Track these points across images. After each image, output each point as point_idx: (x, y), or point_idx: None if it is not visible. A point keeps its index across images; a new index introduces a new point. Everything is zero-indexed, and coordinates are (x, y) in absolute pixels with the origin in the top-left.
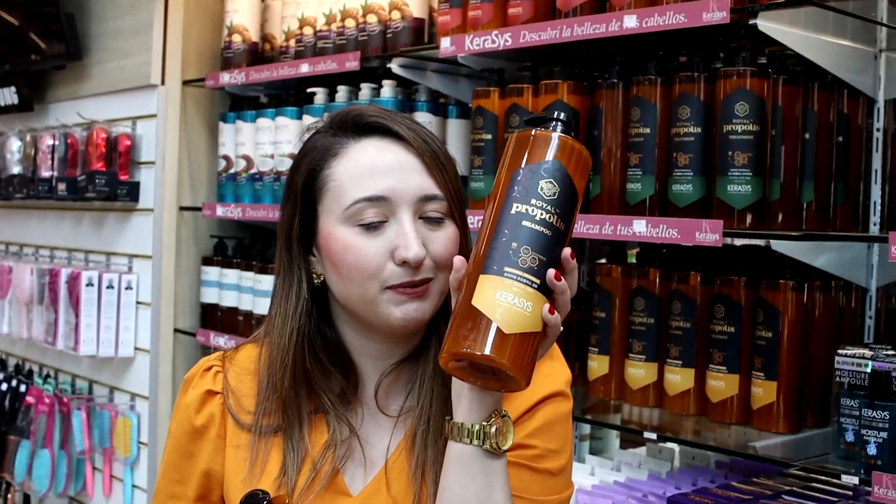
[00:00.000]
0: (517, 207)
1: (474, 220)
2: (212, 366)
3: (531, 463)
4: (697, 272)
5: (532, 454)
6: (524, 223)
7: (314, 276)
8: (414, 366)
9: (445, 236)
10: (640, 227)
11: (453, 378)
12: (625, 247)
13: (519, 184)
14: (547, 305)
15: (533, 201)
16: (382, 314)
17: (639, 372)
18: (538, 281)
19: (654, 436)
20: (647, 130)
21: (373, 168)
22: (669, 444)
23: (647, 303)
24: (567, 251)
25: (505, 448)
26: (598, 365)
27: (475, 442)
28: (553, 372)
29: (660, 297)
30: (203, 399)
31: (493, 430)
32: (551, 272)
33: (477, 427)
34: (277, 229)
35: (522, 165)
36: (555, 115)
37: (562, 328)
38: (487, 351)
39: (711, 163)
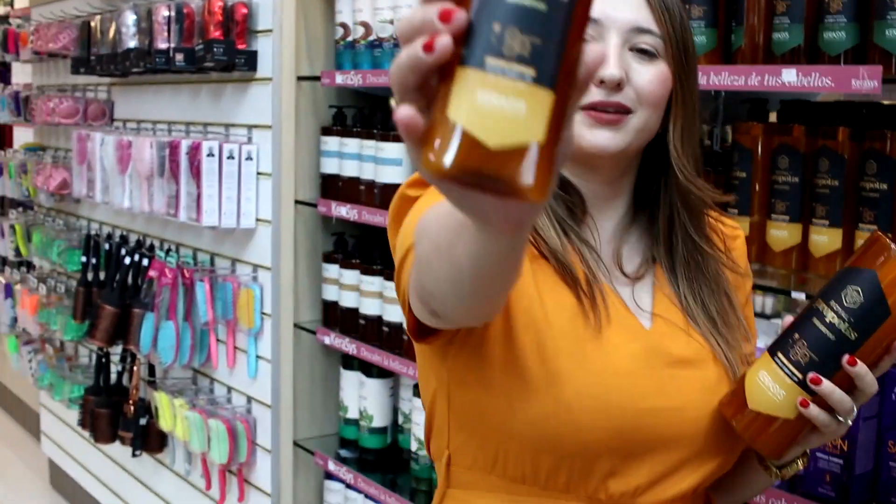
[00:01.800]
0: (818, 304)
1: None
2: None
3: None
4: (846, 127)
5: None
6: (813, 319)
7: None
8: (641, 217)
9: (654, 72)
10: (790, 76)
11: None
12: (766, 105)
13: (836, 282)
14: (799, 398)
15: (832, 303)
16: (578, 136)
17: (782, 233)
18: (800, 375)
19: (801, 294)
20: None
21: None
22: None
23: (792, 161)
24: (846, 357)
25: (790, 475)
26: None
27: (770, 473)
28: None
29: (805, 155)
30: None
31: (793, 468)
32: (810, 375)
33: (778, 464)
34: None
35: (847, 264)
36: None
37: (844, 422)
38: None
39: (868, 7)
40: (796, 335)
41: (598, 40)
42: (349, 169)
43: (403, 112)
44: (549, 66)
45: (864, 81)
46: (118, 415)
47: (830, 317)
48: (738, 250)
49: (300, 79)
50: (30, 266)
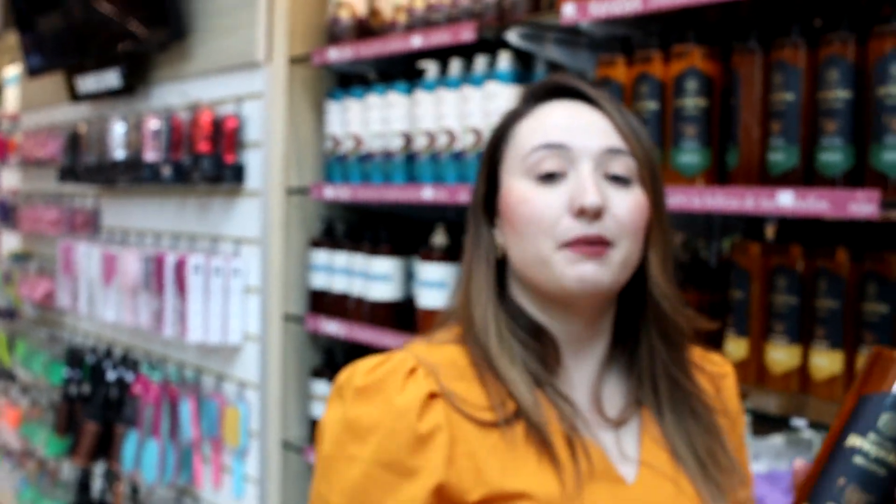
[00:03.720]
0: (852, 440)
1: None
2: (415, 367)
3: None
4: (846, 248)
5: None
6: (856, 459)
7: (496, 248)
8: (621, 357)
9: (632, 199)
10: (785, 200)
11: None
12: (762, 223)
13: (861, 414)
14: None
15: (870, 435)
16: (557, 275)
17: (781, 355)
18: None
19: (802, 422)
20: (791, 97)
21: (554, 121)
22: (807, 433)
23: (790, 281)
24: None
25: None
26: (735, 348)
27: None
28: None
29: (803, 276)
30: (425, 403)
31: None
32: None
33: None
34: (468, 211)
35: (871, 392)
36: None
37: None
38: None
39: (863, 129)
40: (841, 480)
41: (570, 170)
42: (338, 284)
43: None
44: None
45: (862, 206)
46: None
47: (875, 452)
48: (729, 390)
49: (290, 191)
50: (12, 377)
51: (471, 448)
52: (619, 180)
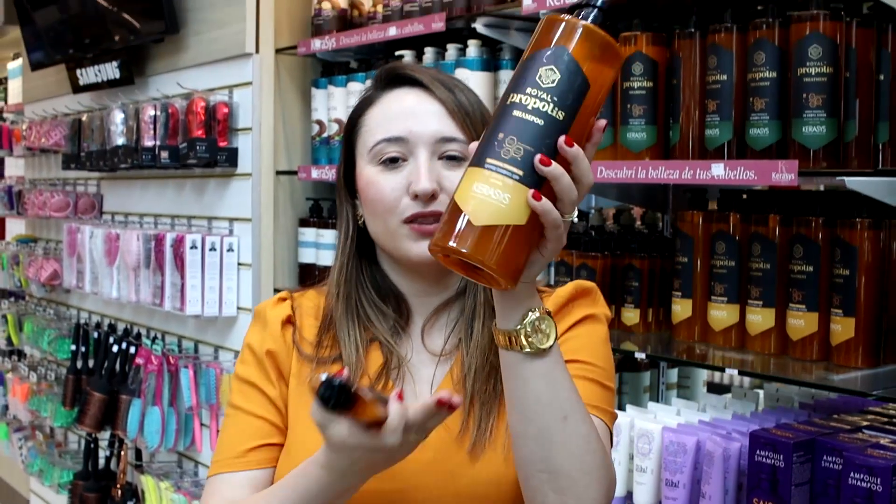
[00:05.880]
0: (512, 98)
1: None
2: (285, 297)
3: (598, 378)
4: (776, 214)
5: (597, 370)
6: (514, 113)
7: (358, 217)
8: (457, 306)
9: None
10: (718, 171)
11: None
12: (705, 194)
13: (521, 72)
14: (531, 192)
15: (528, 90)
16: (403, 248)
17: (721, 314)
18: (520, 172)
19: (735, 371)
20: (724, 77)
21: (395, 112)
22: (755, 390)
23: (728, 246)
24: (562, 138)
25: (544, 347)
26: (681, 309)
27: (515, 346)
28: (592, 303)
29: (740, 240)
30: (282, 325)
31: (529, 328)
32: (537, 157)
33: (512, 328)
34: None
35: (530, 52)
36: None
37: (567, 220)
38: (453, 243)
39: (787, 106)
40: (500, 135)
41: (409, 157)
42: (325, 258)
43: None
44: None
45: (783, 175)
46: (106, 499)
47: (533, 103)
48: (552, 305)
49: (279, 173)
50: (21, 355)
51: (297, 372)
52: (453, 159)
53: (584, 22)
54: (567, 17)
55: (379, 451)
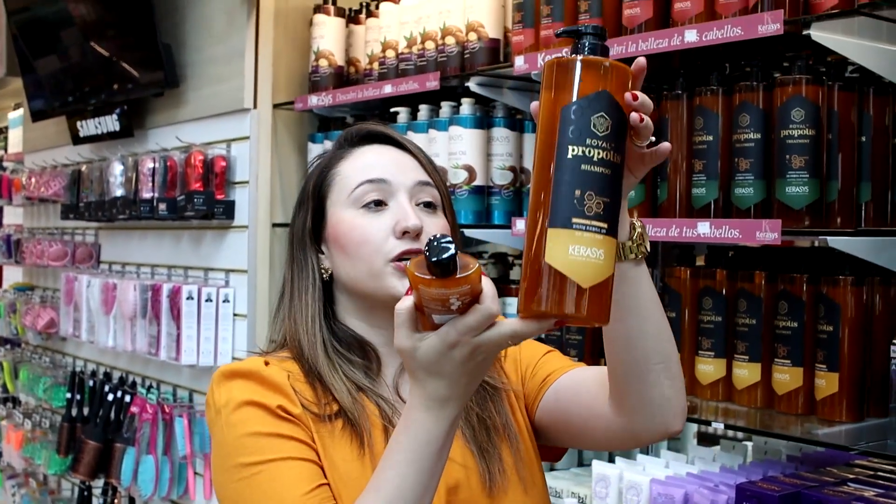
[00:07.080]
0: (573, 151)
1: None
2: (267, 362)
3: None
4: (762, 271)
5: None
6: (583, 167)
7: (323, 270)
8: None
9: (440, 220)
10: (703, 229)
11: None
12: (693, 250)
13: (571, 122)
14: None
15: (588, 141)
16: (389, 287)
17: (708, 368)
18: (605, 225)
19: (721, 425)
20: (710, 138)
21: (373, 161)
22: (744, 442)
23: (715, 301)
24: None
25: (648, 251)
26: None
27: (630, 255)
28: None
29: (727, 296)
30: (290, 387)
31: (637, 238)
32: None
33: (625, 240)
34: (288, 238)
35: (573, 101)
36: (584, 30)
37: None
38: (570, 310)
39: (771, 166)
40: (577, 192)
41: (390, 200)
42: None
43: None
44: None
45: (767, 233)
46: None
47: (597, 154)
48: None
49: (275, 226)
50: (16, 402)
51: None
52: (428, 206)
53: (607, 60)
54: (592, 56)
55: (477, 338)
